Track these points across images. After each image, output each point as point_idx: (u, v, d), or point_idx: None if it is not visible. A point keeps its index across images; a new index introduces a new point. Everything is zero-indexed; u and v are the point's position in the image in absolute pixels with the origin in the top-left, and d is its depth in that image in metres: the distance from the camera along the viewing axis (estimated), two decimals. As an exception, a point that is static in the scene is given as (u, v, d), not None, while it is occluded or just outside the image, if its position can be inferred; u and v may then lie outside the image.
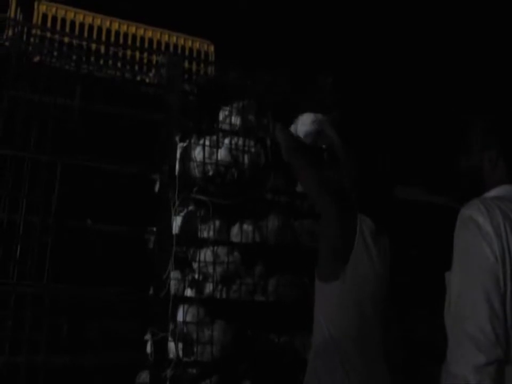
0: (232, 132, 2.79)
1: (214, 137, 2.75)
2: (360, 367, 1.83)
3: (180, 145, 2.69)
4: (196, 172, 2.67)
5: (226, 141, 2.77)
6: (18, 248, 2.21)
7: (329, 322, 1.88)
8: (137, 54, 3.67)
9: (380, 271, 1.96)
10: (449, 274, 1.63)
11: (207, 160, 2.67)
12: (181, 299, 2.44)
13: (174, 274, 2.45)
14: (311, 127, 2.52)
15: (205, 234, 2.60)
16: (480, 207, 1.51)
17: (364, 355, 1.85)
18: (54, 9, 4.38)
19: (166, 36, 4.87)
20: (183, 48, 4.81)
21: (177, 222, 2.55)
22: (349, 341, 1.85)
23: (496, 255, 1.43)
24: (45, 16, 4.24)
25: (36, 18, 4.08)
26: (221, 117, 2.83)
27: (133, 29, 4.78)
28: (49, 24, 4.15)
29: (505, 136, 1.71)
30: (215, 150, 2.71)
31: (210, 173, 2.70)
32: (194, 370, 2.40)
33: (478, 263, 1.44)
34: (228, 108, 2.84)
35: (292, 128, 2.54)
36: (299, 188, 2.88)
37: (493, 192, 1.65)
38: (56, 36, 3.08)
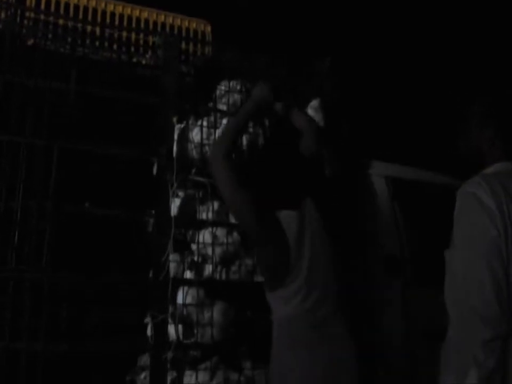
0: (230, 113, 2.77)
1: (212, 118, 2.73)
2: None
3: (177, 127, 2.67)
4: (194, 154, 2.65)
5: (224, 121, 2.75)
6: (16, 234, 2.20)
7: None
8: (133, 36, 3.61)
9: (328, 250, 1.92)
10: (449, 252, 1.64)
11: (204, 141, 2.66)
12: (181, 281, 2.44)
13: (173, 257, 2.45)
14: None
15: (204, 216, 2.60)
16: (482, 183, 1.53)
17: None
18: (48, -9, 4.32)
19: (162, 17, 4.81)
20: (180, 28, 4.75)
21: (175, 204, 2.55)
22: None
23: (500, 231, 1.44)
24: (39, -2, 4.18)
25: (30, 1, 4.02)
26: (218, 97, 2.81)
27: (128, 10, 4.72)
28: (43, 6, 4.09)
29: (502, 116, 1.72)
30: (212, 130, 2.70)
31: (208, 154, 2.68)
32: (194, 352, 2.41)
33: (483, 239, 1.44)
34: (224, 88, 2.82)
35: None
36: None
37: (491, 169, 1.66)
38: (51, 18, 3.03)
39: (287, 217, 1.88)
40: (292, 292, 1.83)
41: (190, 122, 2.70)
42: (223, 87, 2.82)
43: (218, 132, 2.69)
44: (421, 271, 3.02)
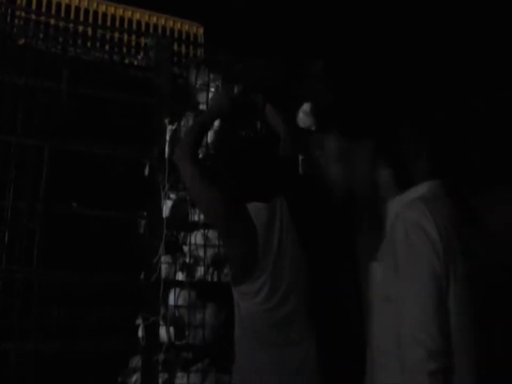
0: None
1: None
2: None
3: (169, 128, 2.66)
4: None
5: (216, 123, 2.74)
6: (7, 234, 2.19)
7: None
8: (125, 37, 3.61)
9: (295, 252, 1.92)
10: (376, 265, 1.72)
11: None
12: (172, 283, 2.43)
13: (165, 258, 2.44)
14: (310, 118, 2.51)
15: (196, 218, 2.59)
16: (426, 212, 1.57)
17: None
18: (39, -9, 4.31)
19: (154, 18, 4.82)
20: (172, 30, 4.76)
21: (167, 206, 2.54)
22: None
23: (442, 264, 1.51)
24: (30, -2, 4.17)
25: (20, 0, 4.01)
26: (209, 98, 2.80)
27: (120, 11, 4.72)
28: (34, 5, 4.08)
29: (429, 133, 1.78)
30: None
31: (200, 156, 2.67)
32: (186, 354, 2.40)
33: (428, 273, 1.50)
34: (216, 90, 2.81)
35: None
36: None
37: (424, 189, 1.71)
38: (42, 18, 3.02)
39: (256, 208, 1.90)
40: (257, 287, 1.82)
41: (182, 123, 2.69)
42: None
43: (210, 134, 2.69)
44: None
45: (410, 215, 1.60)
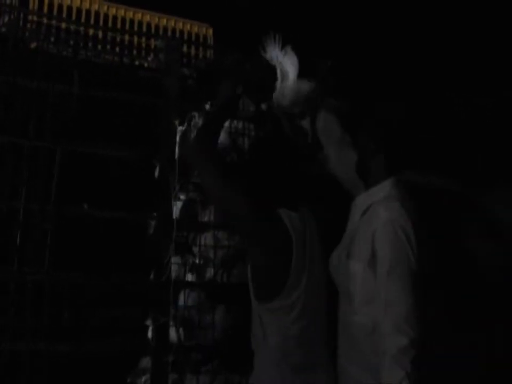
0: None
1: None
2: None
3: (179, 129, 2.68)
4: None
5: (226, 124, 2.75)
6: (19, 236, 2.21)
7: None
8: (135, 39, 3.63)
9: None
10: (345, 259, 1.80)
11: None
12: (182, 284, 2.44)
13: (175, 259, 2.45)
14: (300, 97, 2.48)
15: (206, 219, 2.60)
16: (402, 212, 1.69)
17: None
18: (50, -5, 4.34)
19: (164, 20, 4.86)
20: (182, 32, 4.79)
21: (177, 207, 2.55)
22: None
23: (418, 263, 1.65)
24: (41, 2, 4.20)
25: (32, 4, 4.04)
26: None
27: (130, 14, 4.76)
28: (45, 9, 4.11)
29: (387, 130, 1.83)
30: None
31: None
32: (196, 355, 2.41)
33: (409, 270, 1.63)
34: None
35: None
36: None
37: (388, 187, 1.81)
38: (53, 22, 3.05)
39: (290, 215, 1.82)
40: (290, 302, 1.73)
41: (192, 124, 2.71)
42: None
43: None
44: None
45: (391, 217, 1.70)
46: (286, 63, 2.46)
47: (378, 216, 1.74)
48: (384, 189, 1.83)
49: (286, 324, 1.75)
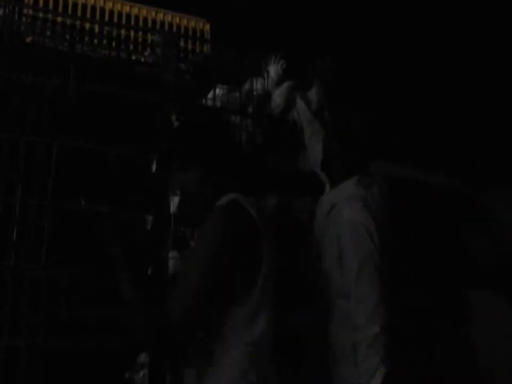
0: (229, 110, 2.76)
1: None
2: None
3: (177, 124, 2.67)
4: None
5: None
6: (15, 231, 2.20)
7: None
8: (132, 33, 3.61)
9: None
10: (323, 263, 1.93)
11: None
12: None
13: (172, 254, 2.44)
14: (281, 99, 2.52)
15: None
16: (364, 210, 1.79)
17: None
18: (46, -11, 4.32)
19: (161, 15, 4.82)
20: (178, 26, 4.76)
21: (174, 202, 2.54)
22: None
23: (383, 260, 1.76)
24: (37, -4, 4.19)
25: (28, -2, 4.03)
26: (216, 94, 2.80)
27: (127, 8, 4.73)
28: (41, 3, 4.09)
29: (344, 128, 1.90)
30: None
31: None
32: (194, 350, 2.41)
33: (372, 266, 1.75)
34: (223, 86, 2.81)
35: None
36: (299, 166, 2.87)
37: (353, 185, 1.92)
38: (49, 15, 3.03)
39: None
40: (258, 302, 1.59)
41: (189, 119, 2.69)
42: (222, 89, 2.81)
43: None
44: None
45: (352, 216, 1.80)
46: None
47: (342, 217, 1.82)
48: (348, 187, 1.88)
49: (256, 331, 1.60)
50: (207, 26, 4.84)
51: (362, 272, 1.74)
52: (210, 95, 2.83)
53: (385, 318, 1.68)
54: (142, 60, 3.03)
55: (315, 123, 2.15)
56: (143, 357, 2.37)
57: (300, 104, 2.35)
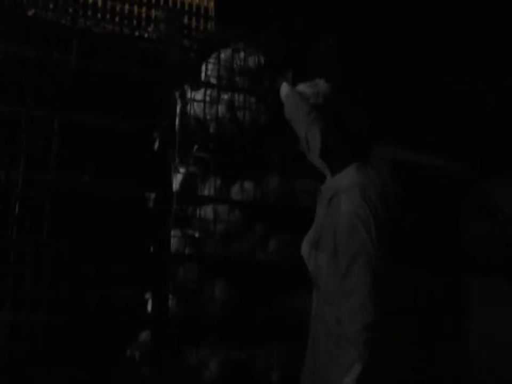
0: (233, 88, 2.74)
1: (215, 93, 2.70)
2: None
3: (179, 102, 2.64)
4: (196, 129, 2.63)
5: (226, 97, 2.72)
6: (17, 205, 2.19)
7: None
8: (136, 9, 3.57)
9: None
10: (320, 256, 1.86)
11: (207, 117, 2.63)
12: (182, 257, 2.44)
13: (174, 232, 2.44)
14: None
15: (205, 192, 2.58)
16: (362, 202, 1.72)
17: None
18: (48, -38, 4.25)
19: (165, -10, 4.75)
20: (182, 3, 4.68)
21: (177, 180, 2.53)
22: None
23: (376, 247, 1.68)
24: (39, -31, 4.12)
25: (30, -30, 3.97)
26: (220, 71, 2.77)
27: (130, -17, 4.66)
28: (44, -24, 4.03)
29: (348, 114, 1.86)
30: (215, 106, 2.67)
31: (211, 130, 2.66)
32: (195, 328, 2.41)
33: (365, 262, 1.68)
34: (226, 62, 2.78)
35: None
36: (300, 147, 2.85)
37: (352, 173, 1.83)
38: (52, -11, 2.99)
39: None
40: None
41: (192, 96, 2.67)
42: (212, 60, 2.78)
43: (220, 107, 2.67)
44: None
45: (348, 208, 1.73)
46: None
47: (339, 208, 1.78)
48: (348, 175, 1.85)
49: None
50: (212, 3, 4.77)
51: (353, 266, 1.69)
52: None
53: (369, 315, 1.63)
54: (146, 35, 3.00)
55: (312, 114, 2.12)
56: (144, 335, 2.38)
57: (295, 97, 2.31)
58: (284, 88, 2.42)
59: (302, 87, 2.19)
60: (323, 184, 1.99)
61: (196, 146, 2.61)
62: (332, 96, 2.01)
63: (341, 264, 1.74)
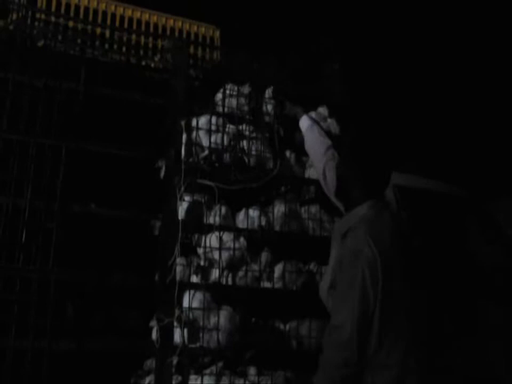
0: (238, 117, 2.77)
1: (220, 122, 2.72)
2: None
3: (185, 131, 2.66)
4: (202, 157, 2.64)
5: (232, 126, 2.74)
6: (24, 233, 2.20)
7: None
8: (142, 39, 3.63)
9: None
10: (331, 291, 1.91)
11: (212, 146, 2.65)
12: (187, 285, 2.43)
13: (180, 260, 2.43)
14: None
15: (211, 220, 2.58)
16: (367, 238, 1.72)
17: None
18: (58, -6, 4.34)
19: (171, 21, 4.83)
20: (188, 33, 4.76)
21: (182, 208, 2.54)
22: None
23: (376, 289, 1.69)
24: (49, 0, 4.21)
25: (40, 2, 4.05)
26: (226, 101, 2.79)
27: (138, 14, 4.74)
28: (53, 8, 4.11)
29: (362, 155, 1.86)
30: (220, 134, 2.69)
31: (216, 158, 2.67)
32: (200, 357, 2.40)
33: (358, 298, 1.69)
34: (229, 92, 2.81)
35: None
36: (306, 174, 2.87)
37: (363, 210, 1.84)
38: (61, 20, 3.04)
39: None
40: None
41: (198, 125, 2.69)
42: (227, 91, 2.81)
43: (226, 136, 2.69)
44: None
45: (354, 247, 1.74)
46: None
47: (349, 246, 1.79)
48: (360, 212, 1.85)
49: None
50: (217, 33, 4.84)
51: (342, 303, 1.73)
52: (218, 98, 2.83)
53: (354, 354, 1.66)
54: (152, 65, 3.04)
55: (329, 152, 2.14)
56: (149, 363, 2.36)
57: (315, 132, 2.34)
58: (305, 122, 2.45)
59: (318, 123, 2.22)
60: (337, 221, 2.00)
61: (200, 174, 2.62)
62: (346, 137, 2.02)
63: (334, 298, 1.78)
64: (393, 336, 1.71)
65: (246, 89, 2.83)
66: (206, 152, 2.63)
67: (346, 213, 1.94)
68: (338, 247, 1.88)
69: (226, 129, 2.73)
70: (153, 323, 2.32)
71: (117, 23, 4.56)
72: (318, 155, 2.14)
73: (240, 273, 2.56)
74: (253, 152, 2.73)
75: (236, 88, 2.81)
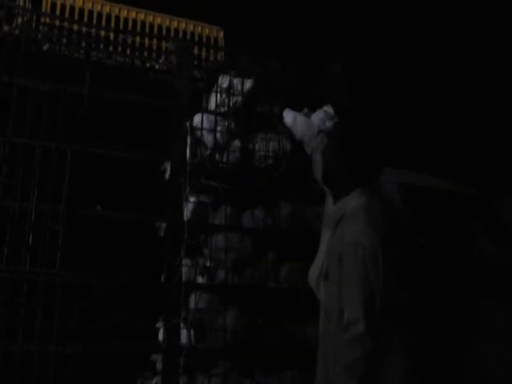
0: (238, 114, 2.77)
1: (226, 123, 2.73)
2: None
3: (191, 132, 2.67)
4: (207, 158, 2.65)
5: (236, 126, 2.75)
6: (30, 236, 2.21)
7: None
8: (147, 41, 3.64)
9: None
10: (328, 285, 1.87)
11: (216, 146, 2.66)
12: (193, 286, 2.44)
13: (186, 261, 2.44)
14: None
15: (216, 221, 2.59)
16: (369, 233, 1.72)
17: None
18: (62, -3, 4.37)
19: (175, 22, 4.85)
20: (193, 34, 4.78)
21: (188, 209, 2.54)
22: None
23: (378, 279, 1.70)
24: (53, 4, 4.23)
25: (45, 6, 4.08)
26: (231, 101, 2.80)
27: (142, 16, 4.77)
28: (58, 12, 4.14)
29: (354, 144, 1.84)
30: (225, 135, 2.70)
31: (222, 159, 2.68)
32: (207, 357, 2.40)
33: (362, 283, 1.70)
34: (238, 94, 2.81)
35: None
36: (311, 175, 2.86)
37: (355, 198, 1.84)
38: (65, 24, 3.06)
39: None
40: None
41: (204, 126, 2.70)
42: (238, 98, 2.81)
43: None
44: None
45: (354, 237, 1.74)
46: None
47: (345, 236, 1.78)
48: (352, 200, 1.84)
49: None
50: (221, 34, 4.85)
51: (353, 300, 1.71)
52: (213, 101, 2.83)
53: (366, 346, 1.65)
54: (156, 67, 3.05)
55: (318, 137, 2.14)
56: (156, 364, 2.37)
57: (301, 121, 2.34)
58: (288, 114, 2.45)
59: (307, 112, 2.23)
60: (327, 208, 1.99)
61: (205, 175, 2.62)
62: (338, 121, 2.02)
63: (343, 296, 1.75)
64: (393, 335, 1.71)
65: (250, 89, 2.83)
66: (209, 151, 2.63)
67: (335, 200, 1.93)
68: (330, 235, 1.88)
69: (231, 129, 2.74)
70: (160, 324, 2.33)
71: (121, 26, 4.58)
72: (307, 141, 2.14)
73: (246, 274, 2.57)
74: (258, 152, 2.73)
75: (239, 87, 2.82)
